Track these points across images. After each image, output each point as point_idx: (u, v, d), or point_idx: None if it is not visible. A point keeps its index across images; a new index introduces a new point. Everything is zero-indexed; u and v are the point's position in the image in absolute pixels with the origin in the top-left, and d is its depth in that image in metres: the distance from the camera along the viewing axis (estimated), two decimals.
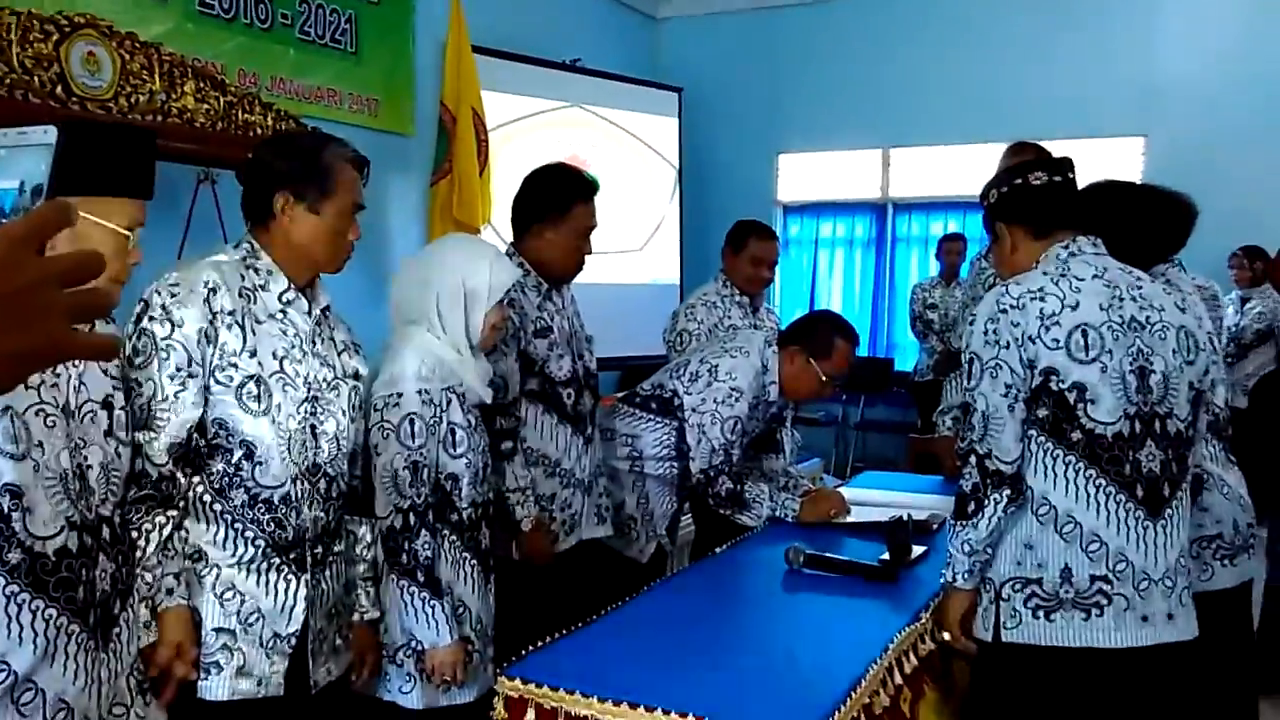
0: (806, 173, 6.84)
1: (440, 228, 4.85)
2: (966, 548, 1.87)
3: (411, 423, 1.99)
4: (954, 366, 4.50)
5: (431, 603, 1.98)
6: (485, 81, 5.07)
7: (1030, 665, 1.85)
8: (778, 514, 2.72)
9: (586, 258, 2.58)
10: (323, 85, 4.51)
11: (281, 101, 4.05)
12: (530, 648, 1.76)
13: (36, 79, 3.05)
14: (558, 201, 2.50)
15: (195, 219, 3.61)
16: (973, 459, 1.87)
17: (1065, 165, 1.97)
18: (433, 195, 4.97)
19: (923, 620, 1.98)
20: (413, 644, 2.02)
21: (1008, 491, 1.84)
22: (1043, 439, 1.83)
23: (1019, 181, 1.97)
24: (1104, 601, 1.81)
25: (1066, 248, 1.91)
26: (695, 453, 2.73)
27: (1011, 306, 1.84)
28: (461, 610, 2.10)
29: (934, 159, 6.41)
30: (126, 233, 1.44)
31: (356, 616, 1.95)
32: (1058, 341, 1.81)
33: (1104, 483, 1.81)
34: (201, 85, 3.55)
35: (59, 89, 3.10)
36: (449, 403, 2.07)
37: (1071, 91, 5.74)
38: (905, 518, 2.40)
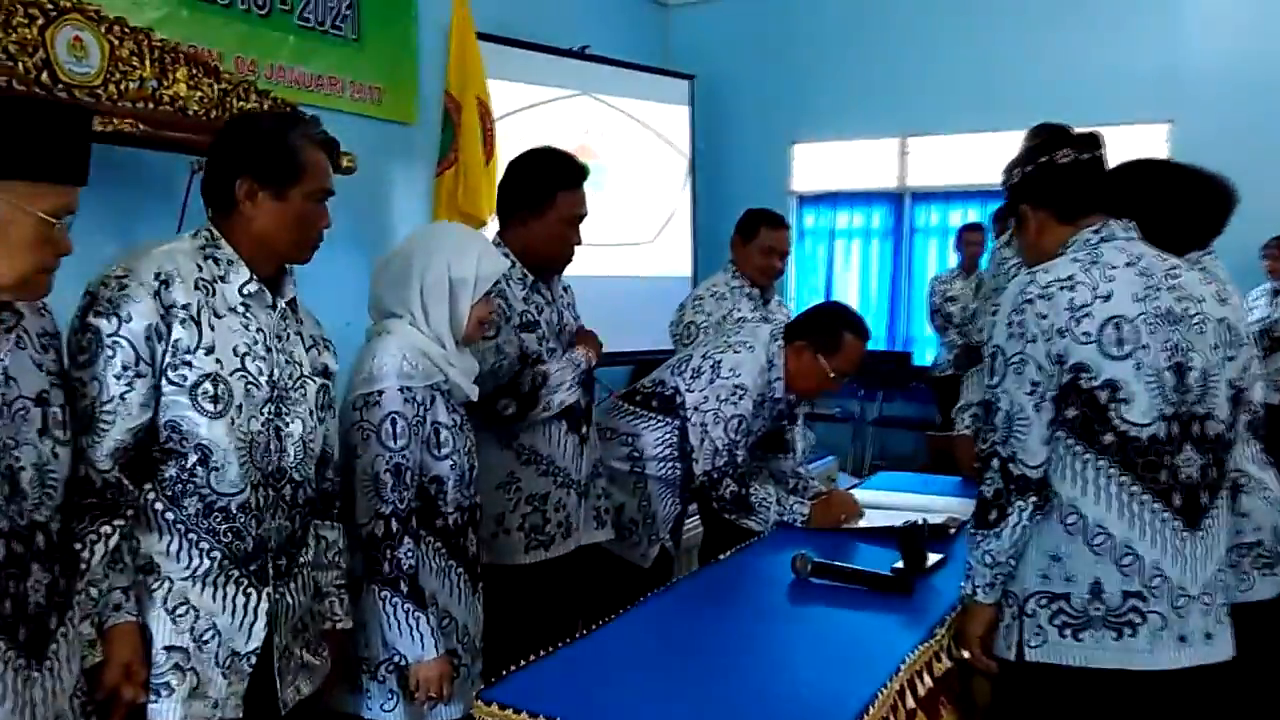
0: (822, 162, 6.69)
1: (445, 217, 4.74)
2: (988, 559, 1.73)
3: (393, 423, 1.87)
4: (974, 361, 4.35)
5: (415, 614, 1.86)
6: (491, 69, 4.97)
7: (1056, 687, 1.70)
8: (785, 519, 2.58)
9: (577, 249, 2.43)
10: (323, 73, 4.41)
11: (280, 90, 3.94)
12: (513, 666, 1.63)
13: (20, 65, 2.94)
14: (540, 189, 2.35)
15: (189, 210, 3.50)
16: (995, 463, 1.73)
17: (1094, 142, 1.81)
18: (438, 186, 4.88)
19: (939, 636, 1.84)
20: (395, 658, 1.90)
21: (1033, 499, 1.70)
22: (1071, 442, 1.69)
23: (1044, 160, 1.82)
24: (1138, 620, 1.66)
25: (1097, 232, 1.76)
26: (698, 454, 2.60)
27: (1038, 296, 1.69)
28: (447, 622, 1.98)
29: (953, 147, 6.24)
30: (53, 220, 1.32)
31: (328, 625, 1.83)
32: (1089, 335, 1.66)
33: (1138, 490, 1.67)
34: (194, 72, 3.43)
35: (44, 76, 2.99)
36: (433, 400, 1.94)
37: (1094, 76, 5.57)
38: (920, 522, 2.25)
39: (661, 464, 2.65)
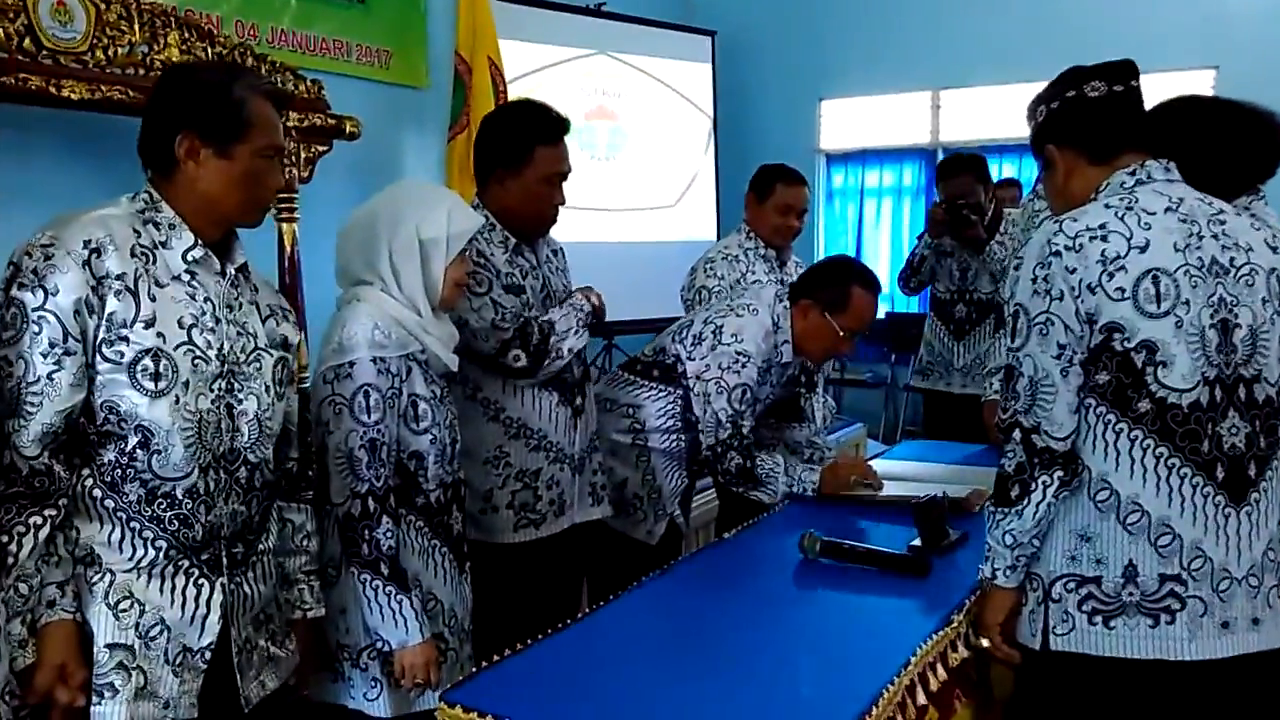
0: (851, 119, 6.44)
1: (459, 184, 4.61)
2: (1009, 539, 1.58)
3: (366, 396, 1.75)
4: (1003, 323, 4.18)
5: (398, 598, 1.76)
6: (503, 29, 4.80)
7: (1084, 678, 1.55)
8: (795, 489, 2.43)
9: (561, 209, 2.28)
10: (328, 36, 4.29)
11: (283, 55, 3.82)
12: (484, 663, 1.51)
13: (1, 32, 2.84)
14: (517, 145, 2.20)
15: None
16: (1016, 434, 1.56)
17: (1128, 71, 1.62)
18: (450, 151, 4.74)
19: (956, 622, 1.69)
20: (378, 644, 1.80)
21: (1059, 473, 1.54)
22: (1103, 410, 1.52)
23: (1072, 94, 1.63)
24: (1176, 605, 1.50)
25: (1133, 174, 1.58)
26: (703, 425, 2.45)
27: (1066, 248, 1.51)
28: (432, 604, 1.88)
29: (988, 100, 5.97)
30: None
31: (298, 614, 1.72)
32: (1123, 291, 1.49)
33: (1177, 462, 1.50)
34: (187, 36, 3.31)
35: (27, 41, 2.88)
36: (409, 371, 1.82)
37: (1135, 21, 5.29)
38: (940, 495, 2.09)
39: (665, 436, 2.51)
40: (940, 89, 6.17)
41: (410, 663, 1.78)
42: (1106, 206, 1.55)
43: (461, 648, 1.94)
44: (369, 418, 1.75)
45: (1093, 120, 1.62)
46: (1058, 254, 1.52)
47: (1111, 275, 1.49)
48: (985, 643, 1.67)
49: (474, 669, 1.53)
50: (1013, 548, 1.58)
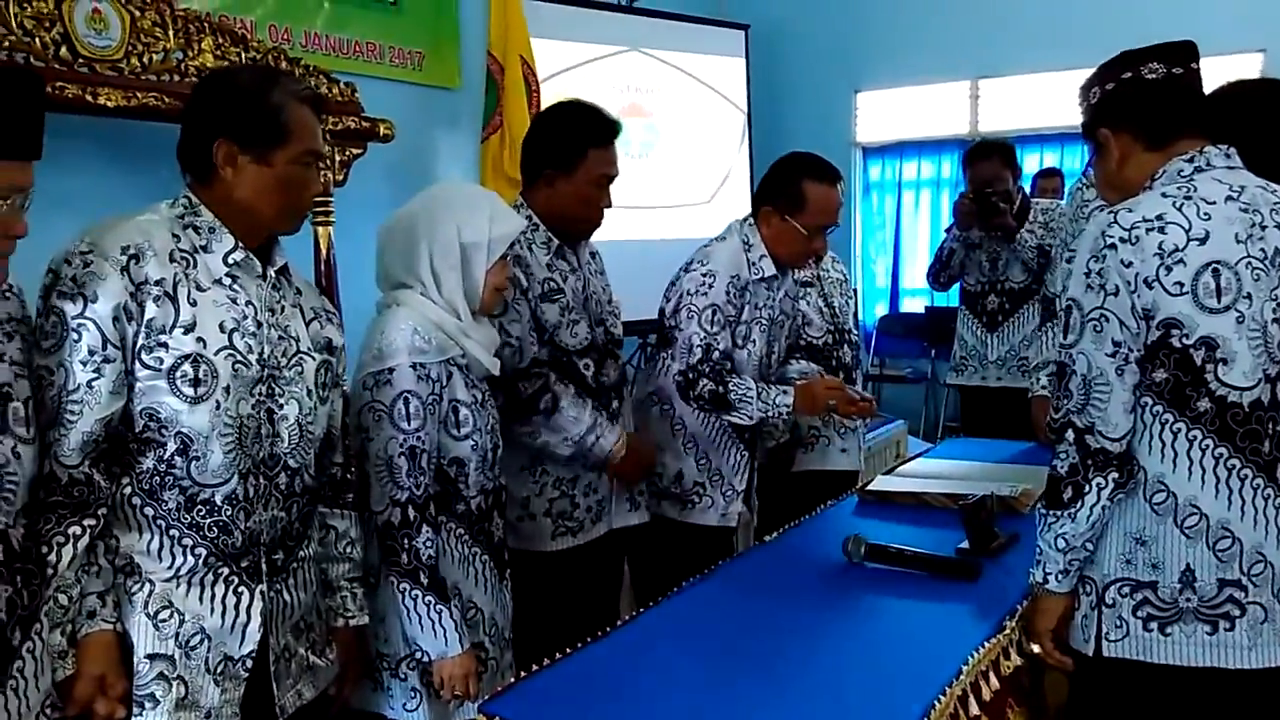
0: (887, 110, 6.35)
1: (493, 184, 4.61)
2: (1061, 543, 1.53)
3: (406, 402, 1.73)
4: (1051, 316, 4.08)
5: (437, 608, 1.73)
6: (534, 27, 4.79)
7: (1138, 685, 1.50)
8: (769, 414, 2.34)
9: (609, 213, 2.24)
10: (361, 39, 4.31)
11: (317, 58, 3.83)
12: (523, 672, 1.49)
13: (38, 40, 2.86)
14: (570, 145, 2.17)
15: None
16: (1070, 434, 1.51)
17: (1188, 53, 1.55)
18: (484, 151, 4.74)
19: (1008, 629, 1.64)
20: (417, 654, 1.78)
21: (1114, 475, 1.48)
22: (1159, 409, 1.47)
23: (1128, 75, 1.56)
24: (1235, 612, 1.45)
25: (1191, 161, 1.52)
26: (674, 352, 2.39)
27: (1121, 240, 1.46)
28: (473, 613, 1.86)
29: (1028, 88, 5.85)
30: (2, 201, 1.19)
31: (341, 622, 1.71)
32: (1181, 286, 1.43)
33: (1237, 464, 1.44)
34: (221, 41, 3.33)
35: (63, 50, 2.91)
36: (449, 377, 1.80)
37: (1179, 4, 5.14)
38: (989, 496, 2.04)
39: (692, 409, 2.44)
40: (979, 78, 6.06)
41: (449, 674, 1.76)
42: (1164, 196, 1.49)
43: (502, 656, 1.93)
44: (409, 425, 1.73)
45: (1149, 103, 1.55)
46: (1113, 246, 1.46)
47: (1170, 269, 1.43)
48: (1036, 649, 1.62)
49: (514, 678, 1.50)
50: (1065, 551, 1.53)
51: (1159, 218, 1.46)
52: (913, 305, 6.54)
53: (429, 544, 1.74)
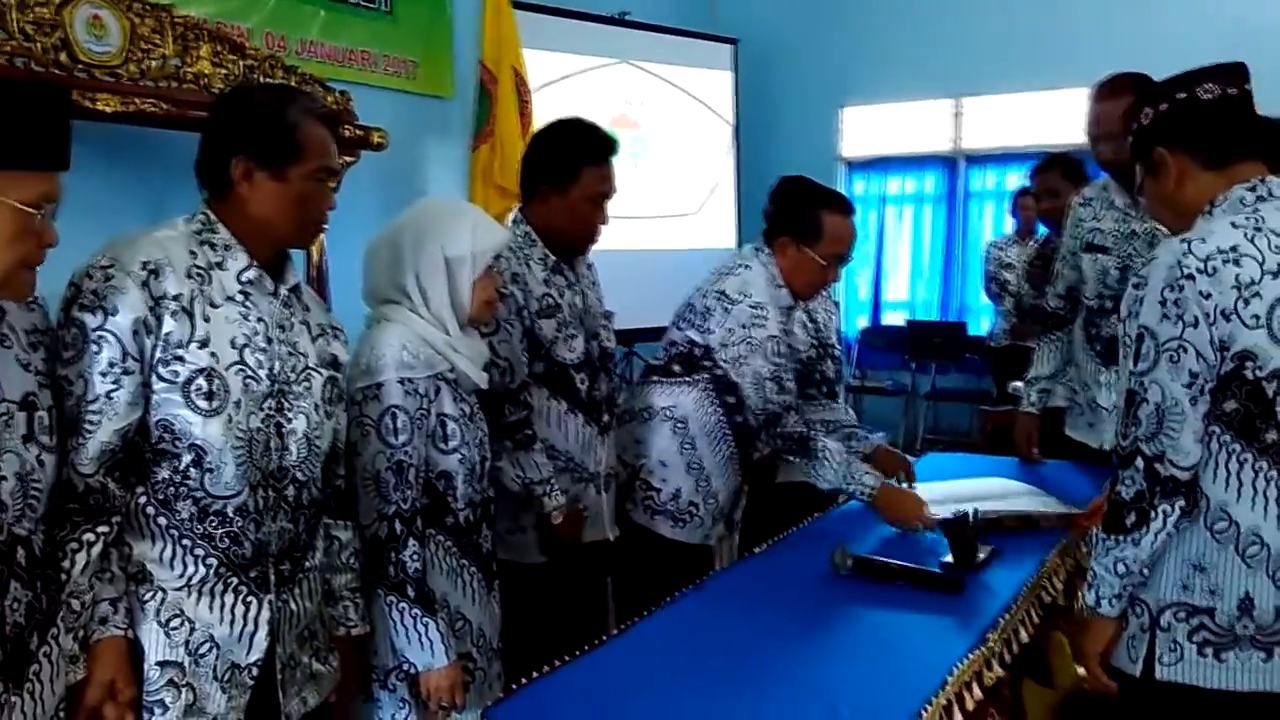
0: (871, 126, 6.46)
1: (482, 193, 4.66)
2: (1121, 568, 1.52)
3: (393, 417, 1.75)
4: (1030, 331, 4.12)
5: (424, 620, 1.75)
6: (527, 39, 4.84)
7: (1190, 710, 1.51)
8: (849, 489, 2.31)
9: (604, 228, 2.28)
10: (355, 47, 4.34)
11: (312, 66, 3.86)
12: (519, 681, 1.52)
13: (38, 46, 2.89)
14: (565, 163, 2.20)
15: None
16: (1139, 461, 1.50)
17: (1240, 75, 1.57)
18: (474, 160, 4.78)
19: (991, 641, 1.70)
20: (405, 666, 1.79)
21: (1180, 502, 1.48)
22: (1228, 439, 1.47)
23: (1184, 95, 1.57)
24: None
25: (1253, 189, 1.52)
26: (746, 391, 2.37)
27: (1199, 271, 1.45)
28: (460, 624, 1.89)
29: (1010, 106, 5.96)
30: (33, 210, 1.23)
31: (342, 631, 1.74)
32: (1258, 318, 1.43)
33: None
34: (219, 49, 3.36)
35: (63, 56, 2.94)
36: (437, 391, 1.82)
37: (1163, 30, 5.23)
38: (971, 512, 2.10)
39: (708, 422, 2.43)
40: (962, 96, 6.17)
41: (436, 685, 1.77)
42: (1234, 226, 1.49)
43: (490, 666, 1.95)
44: (396, 439, 1.75)
45: (1207, 122, 1.56)
46: (1190, 277, 1.46)
47: (1247, 301, 1.44)
48: (1082, 671, 1.63)
49: (502, 688, 1.53)
50: (1123, 576, 1.53)
51: (1233, 249, 1.46)
52: (894, 318, 6.63)
53: (415, 557, 1.75)
